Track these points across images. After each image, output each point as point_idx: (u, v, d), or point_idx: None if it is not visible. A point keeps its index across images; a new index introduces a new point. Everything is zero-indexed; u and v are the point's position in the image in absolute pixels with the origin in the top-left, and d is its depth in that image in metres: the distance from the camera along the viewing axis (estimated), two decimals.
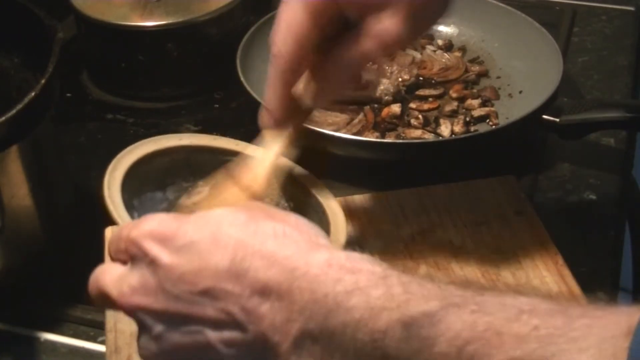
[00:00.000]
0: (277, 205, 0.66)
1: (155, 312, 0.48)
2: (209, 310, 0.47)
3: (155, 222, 0.50)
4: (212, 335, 0.47)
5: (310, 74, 0.60)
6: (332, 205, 0.66)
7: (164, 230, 0.49)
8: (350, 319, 0.44)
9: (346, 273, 0.45)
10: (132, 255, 0.50)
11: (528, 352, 0.40)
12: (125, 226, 0.52)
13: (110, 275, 0.51)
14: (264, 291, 0.46)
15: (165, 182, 0.66)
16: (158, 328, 0.48)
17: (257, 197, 0.62)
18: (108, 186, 0.60)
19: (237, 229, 0.48)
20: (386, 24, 0.56)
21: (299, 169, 0.68)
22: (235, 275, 0.46)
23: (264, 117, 0.62)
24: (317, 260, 0.46)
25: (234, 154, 0.67)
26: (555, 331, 0.40)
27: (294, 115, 0.62)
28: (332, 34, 0.59)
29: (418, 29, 0.59)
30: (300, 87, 0.61)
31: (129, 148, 0.63)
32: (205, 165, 0.67)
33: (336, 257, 0.46)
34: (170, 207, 0.66)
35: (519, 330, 0.40)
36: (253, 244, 0.47)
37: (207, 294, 0.47)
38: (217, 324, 0.47)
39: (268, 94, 0.61)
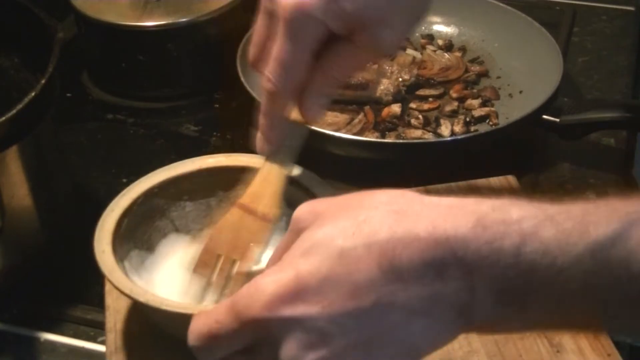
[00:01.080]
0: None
1: (339, 356, 0.45)
2: (392, 316, 0.44)
3: (269, 286, 0.45)
4: (411, 328, 0.44)
5: (304, 90, 0.60)
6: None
7: (286, 287, 0.44)
8: (532, 266, 0.42)
9: (504, 226, 0.43)
10: (263, 337, 0.46)
11: None
12: (217, 313, 0.47)
13: None
14: (439, 270, 0.43)
15: (140, 233, 0.67)
16: None
17: (273, 221, 0.62)
18: (110, 273, 0.59)
19: (352, 238, 0.45)
20: (382, 37, 0.57)
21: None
22: (395, 276, 0.44)
23: (260, 144, 0.62)
24: (464, 226, 0.44)
25: (182, 178, 0.68)
26: None
27: (292, 135, 0.62)
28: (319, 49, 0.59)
29: (407, 34, 0.61)
30: (295, 109, 0.61)
31: (100, 224, 0.63)
32: (162, 200, 0.68)
33: (481, 214, 0.44)
34: (149, 252, 0.67)
35: None
36: (383, 239, 0.44)
37: (378, 306, 0.44)
38: (407, 319, 0.44)
39: (264, 124, 0.61)
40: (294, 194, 0.65)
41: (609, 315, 0.44)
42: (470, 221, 0.44)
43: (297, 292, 0.44)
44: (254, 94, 0.86)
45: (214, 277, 0.61)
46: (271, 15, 0.58)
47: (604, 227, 0.42)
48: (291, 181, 0.65)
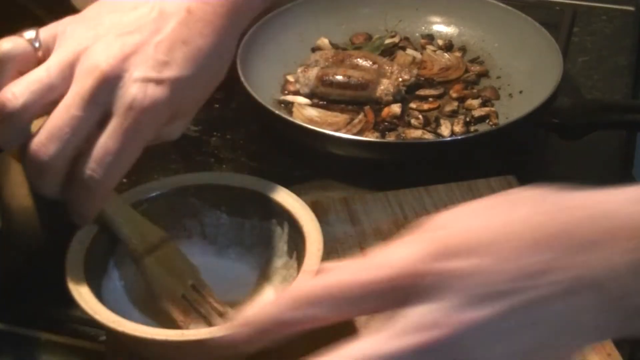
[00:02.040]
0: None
1: (500, 318, 0.40)
2: (552, 288, 0.41)
3: (422, 244, 0.42)
4: (564, 303, 0.41)
5: None
6: (298, 207, 0.65)
7: (446, 243, 0.42)
8: None
9: None
10: (401, 297, 0.41)
11: None
12: (359, 268, 0.43)
13: (378, 342, 0.41)
14: (586, 246, 0.42)
15: (161, 224, 0.67)
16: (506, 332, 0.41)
17: (168, 235, 0.64)
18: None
19: (497, 207, 0.45)
20: (176, 129, 0.66)
21: (235, 177, 0.69)
22: (553, 240, 0.42)
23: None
24: (618, 199, 0.46)
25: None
26: None
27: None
28: None
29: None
30: None
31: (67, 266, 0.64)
32: (198, 201, 0.68)
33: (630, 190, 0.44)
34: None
35: None
36: (540, 202, 0.46)
37: (546, 269, 0.41)
38: (568, 291, 0.41)
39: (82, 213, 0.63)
40: (239, 199, 0.67)
41: None
42: None
43: (456, 250, 0.41)
44: (254, 94, 0.86)
45: (201, 309, 0.63)
46: (96, 102, 0.58)
47: None
48: (241, 190, 0.67)
